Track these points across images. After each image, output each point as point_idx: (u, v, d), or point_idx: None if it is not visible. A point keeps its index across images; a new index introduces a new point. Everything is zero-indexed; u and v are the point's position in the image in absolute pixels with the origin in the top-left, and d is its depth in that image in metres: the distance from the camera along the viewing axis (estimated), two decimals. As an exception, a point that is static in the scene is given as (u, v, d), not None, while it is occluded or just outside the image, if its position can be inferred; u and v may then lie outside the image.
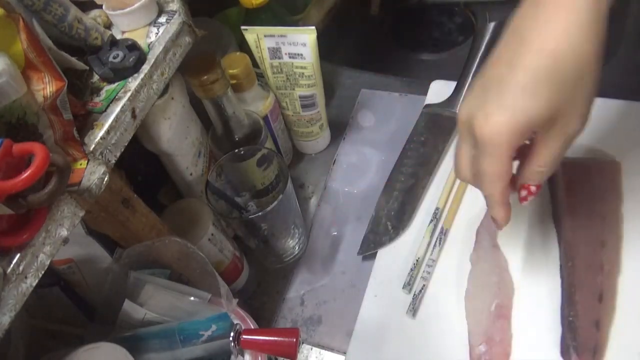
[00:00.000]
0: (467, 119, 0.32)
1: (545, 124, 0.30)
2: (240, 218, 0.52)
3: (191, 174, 0.52)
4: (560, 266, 0.46)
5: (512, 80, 0.29)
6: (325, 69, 0.57)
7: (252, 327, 0.42)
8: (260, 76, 0.57)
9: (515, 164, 0.35)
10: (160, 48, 0.39)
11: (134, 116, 0.37)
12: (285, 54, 0.53)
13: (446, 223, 0.52)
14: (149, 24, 0.41)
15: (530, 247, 0.48)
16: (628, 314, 0.42)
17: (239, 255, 0.54)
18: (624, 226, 0.47)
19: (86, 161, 0.33)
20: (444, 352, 0.45)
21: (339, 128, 0.68)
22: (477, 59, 0.60)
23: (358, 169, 0.64)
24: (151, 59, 0.38)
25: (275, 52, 0.53)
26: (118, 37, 0.40)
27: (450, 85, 0.61)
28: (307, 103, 0.58)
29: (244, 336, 0.38)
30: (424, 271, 0.49)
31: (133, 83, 0.37)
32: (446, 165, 0.56)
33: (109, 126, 0.35)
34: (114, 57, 0.37)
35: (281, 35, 0.51)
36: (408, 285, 0.49)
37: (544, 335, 0.44)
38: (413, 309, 0.47)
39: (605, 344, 0.41)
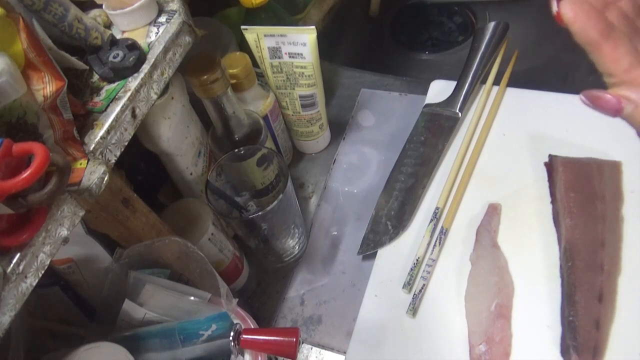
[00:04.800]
0: None
1: None
2: (240, 218, 0.52)
3: (191, 174, 0.52)
4: (560, 266, 0.46)
5: None
6: (325, 69, 0.58)
7: (252, 327, 0.42)
8: (260, 76, 0.57)
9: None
10: (160, 48, 0.39)
11: (134, 116, 0.37)
12: (285, 53, 0.53)
13: (446, 223, 0.52)
14: (149, 24, 0.41)
15: (530, 247, 0.48)
16: (628, 314, 0.43)
17: (239, 255, 0.54)
18: (624, 226, 0.47)
19: (86, 161, 0.33)
20: (444, 352, 0.45)
21: (339, 128, 0.68)
22: (477, 59, 0.60)
23: (358, 169, 0.64)
24: (151, 58, 0.38)
25: (275, 52, 0.53)
26: (118, 36, 0.40)
27: (450, 85, 0.61)
28: (307, 103, 0.58)
29: (244, 336, 0.38)
30: (424, 271, 0.49)
31: (133, 83, 0.37)
32: (446, 165, 0.56)
33: (109, 126, 0.35)
34: (114, 57, 0.37)
35: (281, 35, 0.51)
36: (408, 285, 0.49)
37: (544, 335, 0.44)
38: (413, 309, 0.47)
39: (605, 344, 0.41)
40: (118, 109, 0.36)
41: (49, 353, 0.36)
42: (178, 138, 0.48)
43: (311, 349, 0.51)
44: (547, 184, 0.52)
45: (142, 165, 0.54)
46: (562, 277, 0.46)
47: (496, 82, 0.61)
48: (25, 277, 0.29)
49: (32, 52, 0.29)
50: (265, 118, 0.56)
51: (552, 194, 0.51)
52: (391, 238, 0.53)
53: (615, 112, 0.31)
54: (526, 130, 0.56)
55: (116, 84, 0.37)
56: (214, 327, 0.38)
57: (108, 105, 0.36)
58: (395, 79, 0.71)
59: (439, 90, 0.62)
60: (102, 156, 0.34)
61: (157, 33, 0.40)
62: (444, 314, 0.47)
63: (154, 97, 0.39)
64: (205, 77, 0.45)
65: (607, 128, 0.53)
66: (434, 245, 0.51)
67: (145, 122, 0.44)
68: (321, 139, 0.65)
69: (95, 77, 0.38)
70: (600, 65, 0.31)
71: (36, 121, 0.30)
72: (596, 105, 0.32)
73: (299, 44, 0.51)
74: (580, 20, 0.30)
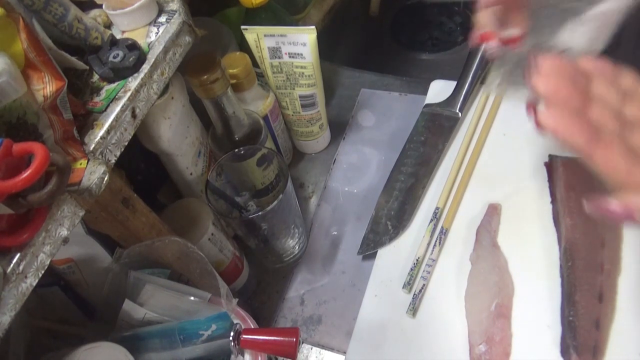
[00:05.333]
0: None
1: None
2: (240, 218, 0.52)
3: (191, 174, 0.52)
4: (560, 266, 0.46)
5: None
6: (325, 68, 0.57)
7: (252, 327, 0.42)
8: (260, 76, 0.57)
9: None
10: (160, 48, 0.39)
11: (134, 116, 0.37)
12: (285, 53, 0.53)
13: (446, 223, 0.52)
14: (149, 24, 0.41)
15: (530, 247, 0.48)
16: (628, 314, 0.43)
17: (239, 255, 0.54)
18: (623, 226, 0.47)
19: (86, 161, 0.33)
20: (444, 351, 0.45)
21: (339, 128, 0.68)
22: (477, 59, 0.60)
23: (358, 169, 0.64)
24: (151, 58, 0.38)
25: (275, 52, 0.53)
26: (118, 36, 0.40)
27: (450, 85, 0.61)
28: (307, 103, 0.58)
29: (244, 336, 0.38)
30: (424, 271, 0.49)
31: (133, 83, 0.37)
32: (446, 165, 0.56)
33: (109, 126, 0.35)
34: (114, 57, 0.37)
35: (281, 35, 0.51)
36: (408, 285, 0.49)
37: (544, 334, 0.44)
38: (413, 309, 0.47)
39: (605, 343, 0.41)
40: (118, 109, 0.36)
41: (49, 353, 0.36)
42: (178, 138, 0.48)
43: (311, 349, 0.51)
44: (547, 184, 0.52)
45: (142, 165, 0.54)
46: (562, 277, 0.46)
47: (496, 82, 0.61)
48: (25, 277, 0.29)
49: (32, 52, 0.29)
50: (265, 118, 0.56)
51: (552, 194, 0.51)
52: (391, 238, 0.53)
53: (625, 221, 0.28)
54: (526, 130, 0.56)
55: (116, 84, 0.37)
56: (214, 327, 0.38)
57: (108, 105, 0.36)
58: (395, 79, 0.71)
59: (439, 90, 0.62)
60: (102, 156, 0.34)
61: (157, 33, 0.40)
62: (444, 314, 0.47)
63: (154, 97, 0.39)
64: (205, 77, 0.45)
65: (607, 128, 0.53)
66: (434, 245, 0.51)
67: (145, 122, 0.44)
68: (321, 139, 0.65)
69: (95, 77, 0.38)
70: (598, 172, 0.28)
71: (36, 121, 0.30)
72: (603, 215, 0.29)
73: (299, 44, 0.51)
74: (563, 129, 0.27)
